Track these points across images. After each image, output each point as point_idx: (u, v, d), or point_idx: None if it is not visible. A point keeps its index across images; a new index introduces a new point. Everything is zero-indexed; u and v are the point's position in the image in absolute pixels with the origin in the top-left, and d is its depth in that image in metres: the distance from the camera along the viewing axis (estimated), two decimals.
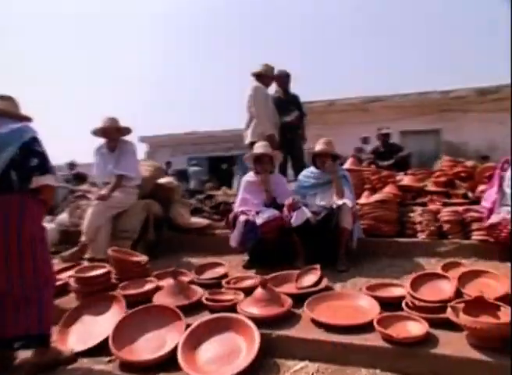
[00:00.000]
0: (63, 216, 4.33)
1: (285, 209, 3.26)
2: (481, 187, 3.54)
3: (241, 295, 2.61)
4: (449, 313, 1.95)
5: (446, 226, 3.21)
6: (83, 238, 3.60)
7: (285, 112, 5.00)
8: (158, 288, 2.76)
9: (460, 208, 3.25)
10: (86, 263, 3.37)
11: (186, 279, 3.00)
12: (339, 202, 3.16)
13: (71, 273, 2.96)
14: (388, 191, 3.72)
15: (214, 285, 2.95)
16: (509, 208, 2.80)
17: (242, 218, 3.27)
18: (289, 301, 2.40)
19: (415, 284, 2.32)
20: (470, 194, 3.60)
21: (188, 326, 2.27)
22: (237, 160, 14.38)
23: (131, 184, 3.80)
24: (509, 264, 2.89)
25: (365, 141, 7.89)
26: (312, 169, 3.63)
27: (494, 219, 2.89)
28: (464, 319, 1.86)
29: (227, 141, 14.93)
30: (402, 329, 2.02)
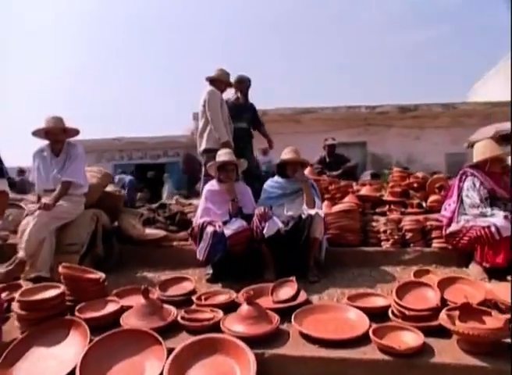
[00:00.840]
0: None
1: (255, 220, 3.14)
2: (432, 197, 3.77)
3: (220, 313, 2.43)
4: (444, 321, 1.98)
5: (408, 235, 3.35)
6: (20, 254, 3.10)
7: (238, 118, 4.90)
8: (123, 309, 2.46)
9: (421, 218, 3.41)
10: (22, 283, 2.92)
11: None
12: (312, 212, 3.12)
13: (14, 295, 2.53)
14: (349, 200, 3.79)
15: (182, 302, 2.72)
16: (467, 217, 2.99)
17: (209, 229, 3.08)
18: (276, 317, 2.27)
19: (399, 293, 2.34)
20: (424, 204, 3.82)
21: (169, 351, 2.04)
22: (167, 168, 13.94)
23: (78, 192, 3.39)
24: (466, 269, 3.09)
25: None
26: (278, 178, 3.57)
27: (453, 227, 3.08)
28: (460, 326, 1.90)
29: (156, 148, 14.40)
30: (398, 340, 2.01)
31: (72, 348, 2.15)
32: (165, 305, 2.51)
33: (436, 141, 11.62)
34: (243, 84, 5.08)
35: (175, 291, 2.90)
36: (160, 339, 2.10)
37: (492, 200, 2.97)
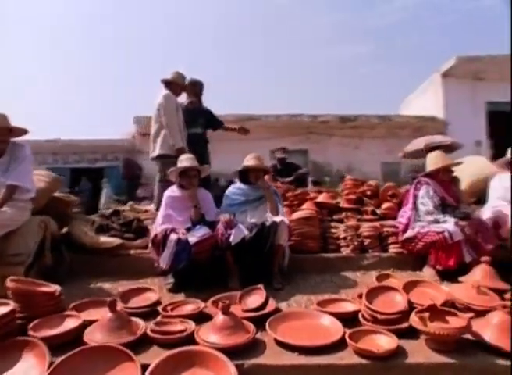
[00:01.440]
0: None
1: (221, 227, 3.08)
2: (385, 205, 3.97)
3: (191, 324, 2.34)
4: (415, 322, 2.07)
5: (366, 241, 3.49)
6: None
7: (193, 123, 4.80)
8: (85, 324, 2.28)
9: (377, 224, 3.57)
10: None
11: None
12: (277, 219, 3.14)
13: None
14: (308, 207, 3.86)
15: (147, 314, 2.58)
16: (422, 224, 3.19)
17: (173, 236, 2.97)
18: (252, 327, 2.24)
19: (369, 298, 2.42)
20: (378, 211, 4.00)
21: (143, 367, 1.92)
22: (106, 173, 13.25)
23: (25, 197, 3.09)
24: (420, 272, 3.29)
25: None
26: (240, 185, 3.54)
27: (409, 233, 3.26)
28: (432, 326, 2.01)
29: (94, 152, 13.64)
30: (373, 343, 2.07)
31: (30, 372, 1.94)
32: (133, 318, 2.37)
33: (373, 151, 12.29)
34: (196, 87, 4.99)
35: (138, 302, 2.74)
36: (132, 355, 1.97)
37: (442, 207, 3.20)
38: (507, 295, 2.45)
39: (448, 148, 4.53)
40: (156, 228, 3.24)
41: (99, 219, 3.75)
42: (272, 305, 2.62)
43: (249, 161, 3.49)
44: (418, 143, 7.58)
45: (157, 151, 4.38)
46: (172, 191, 3.41)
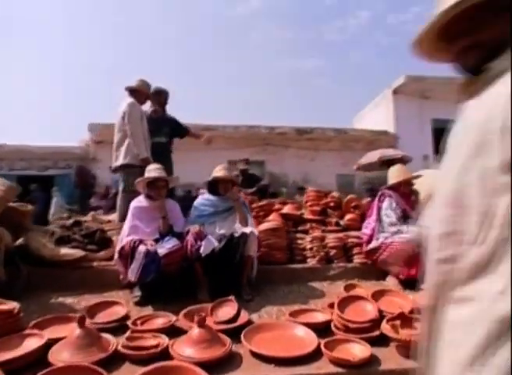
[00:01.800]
0: None
1: (191, 238, 3.04)
2: (348, 216, 4.10)
3: (164, 338, 2.28)
4: (387, 330, 2.16)
5: (332, 252, 3.58)
6: None
7: (157, 132, 4.71)
8: (49, 343, 2.14)
9: (342, 235, 3.68)
10: None
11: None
12: (247, 230, 3.14)
13: None
14: (274, 219, 3.91)
15: (116, 329, 2.48)
16: (386, 234, 3.34)
17: (142, 248, 2.88)
18: (228, 339, 2.22)
19: (340, 307, 2.48)
20: (341, 222, 4.12)
21: None
22: (56, 181, 12.58)
23: None
24: (383, 282, 3.42)
25: None
26: (209, 196, 3.51)
27: (373, 244, 3.39)
28: (403, 334, 2.10)
29: (45, 159, 12.93)
30: (348, 352, 2.12)
31: None
32: (102, 334, 2.26)
33: (329, 163, 12.66)
34: (161, 96, 4.91)
35: (105, 317, 2.62)
36: (104, 373, 1.88)
37: (404, 218, 3.37)
38: None
39: (399, 162, 4.80)
40: (122, 239, 3.13)
41: (59, 230, 3.56)
42: (244, 316, 2.62)
43: (218, 172, 3.48)
44: (372, 156, 7.97)
45: (120, 160, 4.24)
46: (140, 201, 3.32)
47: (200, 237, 3.03)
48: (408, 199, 3.48)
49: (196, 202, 3.52)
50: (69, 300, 3.01)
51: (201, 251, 2.97)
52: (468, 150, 0.82)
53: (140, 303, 2.97)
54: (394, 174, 3.53)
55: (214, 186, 3.51)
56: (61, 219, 4.73)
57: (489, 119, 0.76)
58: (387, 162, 6.53)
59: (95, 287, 3.18)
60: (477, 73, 0.88)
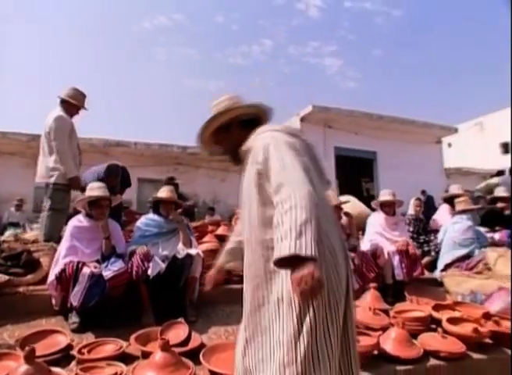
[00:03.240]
0: None
1: (137, 259, 2.97)
2: None
3: (121, 365, 2.21)
4: None
5: None
6: None
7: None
8: None
9: None
10: None
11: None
12: (192, 252, 3.17)
13: None
14: (209, 240, 3.96)
15: (58, 360, 2.32)
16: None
17: (86, 270, 2.73)
18: (190, 362, 2.24)
19: None
20: None
21: None
22: None
23: None
24: None
25: None
26: (153, 216, 3.45)
27: None
28: None
29: None
30: None
31: None
32: (53, 368, 2.09)
33: (239, 184, 12.99)
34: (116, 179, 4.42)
35: (44, 348, 2.39)
36: None
37: None
38: (392, 313, 3.00)
39: None
40: (58, 261, 2.92)
41: None
42: (197, 338, 2.65)
43: (161, 193, 3.46)
44: None
45: (45, 177, 3.87)
46: (80, 221, 3.13)
47: (147, 258, 2.98)
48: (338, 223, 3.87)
49: (139, 222, 3.43)
50: None
51: (149, 272, 2.92)
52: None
53: (78, 330, 2.78)
54: None
55: (156, 206, 3.47)
56: None
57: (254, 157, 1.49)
58: None
59: (21, 315, 2.90)
60: (235, 154, 1.69)
